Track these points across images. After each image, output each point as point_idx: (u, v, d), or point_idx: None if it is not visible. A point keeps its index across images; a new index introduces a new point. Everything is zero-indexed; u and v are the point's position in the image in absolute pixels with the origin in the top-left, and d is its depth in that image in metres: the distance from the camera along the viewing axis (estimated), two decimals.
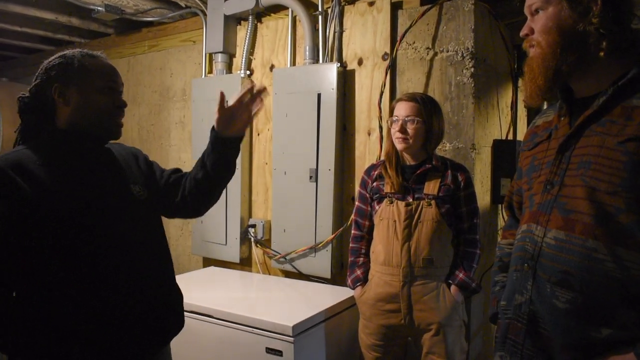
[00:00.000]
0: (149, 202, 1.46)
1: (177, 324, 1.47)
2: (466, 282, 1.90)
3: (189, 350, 2.15)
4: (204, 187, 1.51)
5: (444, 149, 2.29)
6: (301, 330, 1.96)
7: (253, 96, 1.46)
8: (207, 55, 3.07)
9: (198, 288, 2.45)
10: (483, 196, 2.35)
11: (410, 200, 1.92)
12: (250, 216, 2.93)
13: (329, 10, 2.57)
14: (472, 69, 2.22)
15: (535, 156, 1.19)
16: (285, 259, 2.68)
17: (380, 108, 2.41)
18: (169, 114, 3.37)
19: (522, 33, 1.12)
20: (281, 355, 1.92)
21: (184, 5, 3.07)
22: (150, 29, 3.45)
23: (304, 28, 2.62)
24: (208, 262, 3.07)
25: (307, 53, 2.61)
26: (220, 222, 2.91)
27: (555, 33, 1.05)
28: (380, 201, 1.97)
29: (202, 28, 3.04)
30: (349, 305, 2.25)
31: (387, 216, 1.93)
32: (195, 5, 3.03)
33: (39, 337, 1.20)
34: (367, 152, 2.51)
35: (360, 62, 2.52)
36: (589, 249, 0.98)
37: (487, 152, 2.44)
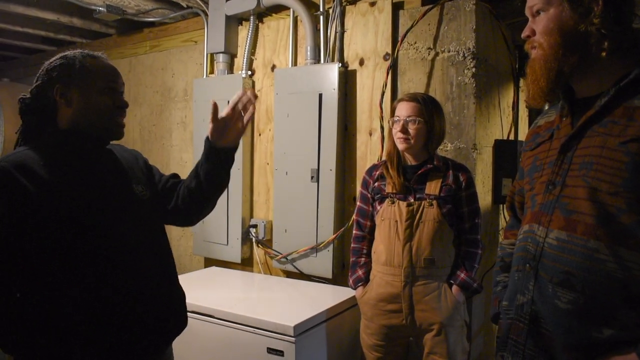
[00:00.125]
0: (151, 202, 1.46)
1: (179, 323, 1.47)
2: (467, 282, 1.90)
3: (190, 350, 2.15)
4: (196, 196, 1.51)
5: (446, 149, 2.29)
6: (302, 331, 1.96)
7: (244, 105, 1.46)
8: (209, 55, 3.07)
9: (199, 288, 2.45)
10: (484, 196, 2.35)
11: (412, 200, 1.92)
12: (251, 216, 2.93)
13: (330, 11, 2.57)
14: (474, 69, 2.22)
15: (537, 156, 1.19)
16: (287, 259, 2.68)
17: (381, 108, 2.41)
18: (171, 114, 3.37)
19: (523, 35, 1.12)
20: (282, 356, 1.92)
21: (185, 6, 3.07)
22: (152, 29, 3.45)
23: (305, 28, 2.62)
24: (209, 262, 3.07)
25: (309, 53, 2.61)
26: (221, 223, 2.91)
27: (556, 34, 1.05)
28: (381, 201, 1.97)
29: (204, 28, 3.04)
30: (351, 305, 2.25)
31: (389, 216, 1.93)
32: (196, 6, 3.03)
33: (40, 337, 1.20)
34: (369, 152, 2.51)
35: (361, 62, 2.52)
36: (590, 250, 0.98)
37: (489, 152, 2.44)
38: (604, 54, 1.03)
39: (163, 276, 1.44)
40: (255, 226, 2.83)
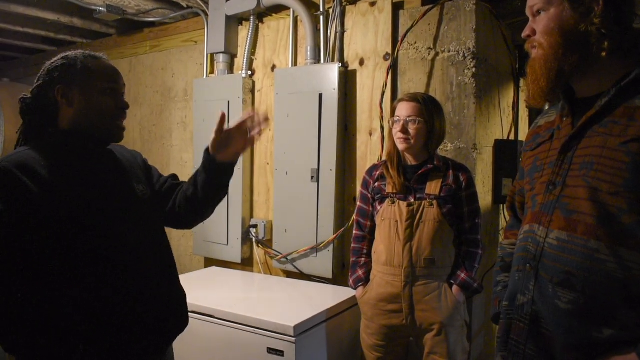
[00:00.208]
0: (151, 201, 1.46)
1: (180, 323, 1.47)
2: (468, 282, 1.90)
3: (190, 350, 2.15)
4: (193, 204, 1.50)
5: (446, 149, 2.29)
6: (303, 331, 1.96)
7: (254, 124, 1.45)
8: (209, 55, 3.07)
9: (199, 288, 2.45)
10: (485, 196, 2.35)
11: (412, 200, 1.92)
12: (251, 216, 2.93)
13: (331, 11, 2.57)
14: (474, 69, 2.22)
15: (537, 156, 1.19)
16: (287, 259, 2.68)
17: (381, 108, 2.41)
18: (171, 115, 3.37)
19: (524, 34, 1.12)
20: (282, 356, 1.92)
21: (185, 6, 3.07)
22: (152, 29, 3.45)
23: (305, 28, 2.62)
24: (210, 262, 3.08)
25: (309, 53, 2.61)
26: (221, 223, 2.91)
27: (557, 34, 1.04)
28: (382, 201, 1.98)
29: (204, 28, 3.05)
30: (351, 305, 2.25)
31: (389, 216, 1.93)
32: (196, 6, 3.03)
33: (40, 337, 1.20)
34: (369, 152, 2.51)
35: (361, 63, 2.52)
36: (591, 250, 0.99)
37: (489, 152, 2.44)
38: (604, 53, 1.03)
39: (163, 276, 1.44)
40: (255, 226, 2.84)
